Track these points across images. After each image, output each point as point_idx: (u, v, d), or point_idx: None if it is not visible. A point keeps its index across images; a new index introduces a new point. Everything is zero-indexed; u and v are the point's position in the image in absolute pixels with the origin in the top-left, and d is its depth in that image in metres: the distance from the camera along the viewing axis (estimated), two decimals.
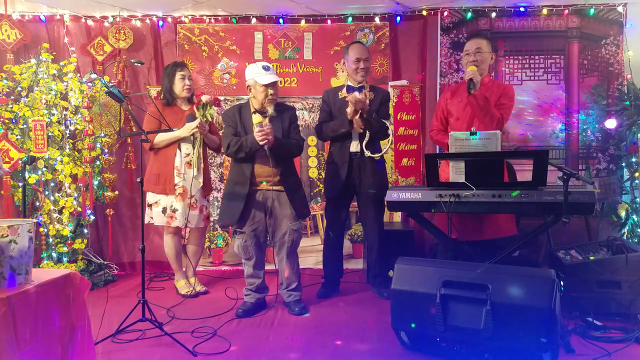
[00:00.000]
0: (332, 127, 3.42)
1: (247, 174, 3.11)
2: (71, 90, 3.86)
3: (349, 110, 3.27)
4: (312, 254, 4.42)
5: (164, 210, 3.48)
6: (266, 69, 3.09)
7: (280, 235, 3.18)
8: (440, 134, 3.44)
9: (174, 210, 3.46)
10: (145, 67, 4.34)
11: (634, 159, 3.99)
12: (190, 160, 3.51)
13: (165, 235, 3.64)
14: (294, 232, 3.17)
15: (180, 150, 3.48)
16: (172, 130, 3.18)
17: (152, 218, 3.55)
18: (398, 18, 4.33)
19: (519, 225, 3.63)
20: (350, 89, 3.45)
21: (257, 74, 3.07)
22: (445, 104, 3.42)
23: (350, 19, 4.34)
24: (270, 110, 3.11)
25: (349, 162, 3.42)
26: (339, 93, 3.49)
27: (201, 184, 3.55)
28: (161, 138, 3.44)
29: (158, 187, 3.48)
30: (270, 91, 3.08)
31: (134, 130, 3.98)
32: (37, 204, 3.89)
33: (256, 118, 3.01)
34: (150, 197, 3.54)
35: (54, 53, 4.06)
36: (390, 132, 3.47)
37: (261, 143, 2.97)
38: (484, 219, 3.17)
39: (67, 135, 3.91)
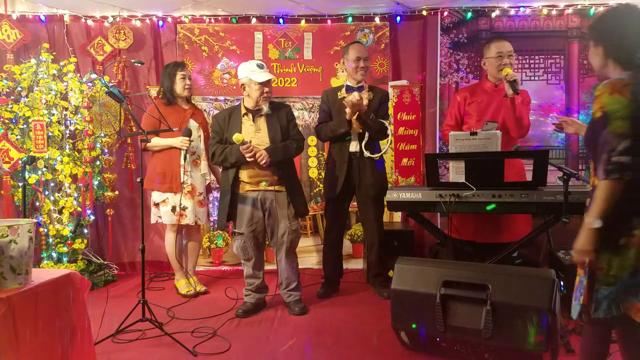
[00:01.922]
0: (331, 128, 3.41)
1: (229, 176, 3.13)
2: (71, 90, 3.86)
3: (347, 111, 3.27)
4: (312, 254, 4.42)
5: (174, 209, 3.49)
6: (260, 67, 3.09)
7: (279, 236, 3.18)
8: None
9: (184, 208, 3.48)
10: (145, 67, 4.34)
11: None
12: (197, 159, 3.55)
13: (167, 233, 3.64)
14: (292, 232, 3.17)
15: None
16: (172, 130, 3.18)
17: (159, 217, 3.56)
18: (398, 18, 4.33)
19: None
20: (349, 89, 3.45)
21: (252, 72, 3.07)
22: (464, 104, 3.33)
23: (350, 19, 4.33)
24: (265, 108, 3.12)
25: (348, 162, 3.42)
26: (338, 93, 3.49)
27: (207, 181, 3.60)
28: (155, 142, 3.46)
29: (164, 186, 3.49)
30: (266, 89, 3.09)
31: (134, 130, 3.98)
32: (37, 204, 3.89)
33: (237, 137, 2.98)
34: (156, 196, 3.55)
35: (54, 53, 4.06)
36: (389, 132, 3.46)
37: (249, 160, 3.00)
38: (502, 222, 3.16)
39: (67, 135, 3.91)
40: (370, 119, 3.29)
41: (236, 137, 2.99)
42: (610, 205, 1.69)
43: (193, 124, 3.56)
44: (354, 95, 3.19)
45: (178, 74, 3.54)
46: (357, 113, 3.25)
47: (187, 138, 3.37)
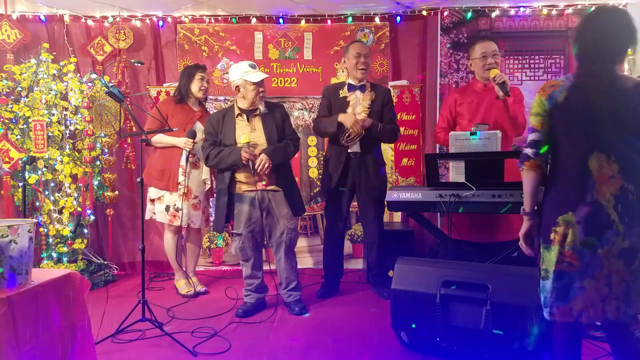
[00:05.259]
0: (323, 124, 3.45)
1: (225, 176, 3.12)
2: (71, 90, 3.86)
3: (349, 123, 3.31)
4: (312, 254, 4.42)
5: (167, 209, 3.49)
6: (253, 67, 3.10)
7: (278, 235, 3.17)
8: (447, 134, 3.42)
9: (177, 210, 3.47)
10: (145, 67, 4.34)
11: None
12: (196, 161, 3.54)
13: (166, 233, 3.65)
14: (291, 230, 3.17)
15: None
16: (172, 130, 3.18)
17: (154, 214, 3.56)
18: (398, 18, 4.33)
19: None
20: (351, 88, 3.46)
21: (245, 73, 3.07)
22: (454, 105, 3.35)
23: (350, 19, 4.33)
24: (261, 107, 3.12)
25: (345, 161, 3.42)
26: (340, 91, 3.49)
27: (208, 187, 3.59)
28: (159, 139, 3.46)
29: (162, 183, 3.49)
30: (261, 88, 3.09)
31: (134, 130, 3.98)
32: (37, 204, 3.89)
33: (244, 138, 3.00)
34: (152, 192, 3.55)
35: (54, 53, 4.05)
36: (399, 133, 3.53)
37: (245, 163, 3.01)
38: (497, 221, 3.15)
39: (67, 135, 3.91)
40: (378, 130, 3.33)
41: (245, 138, 3.00)
42: (528, 193, 1.86)
43: (199, 127, 3.54)
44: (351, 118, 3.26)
45: (197, 74, 3.56)
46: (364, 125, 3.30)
47: (192, 140, 3.36)
